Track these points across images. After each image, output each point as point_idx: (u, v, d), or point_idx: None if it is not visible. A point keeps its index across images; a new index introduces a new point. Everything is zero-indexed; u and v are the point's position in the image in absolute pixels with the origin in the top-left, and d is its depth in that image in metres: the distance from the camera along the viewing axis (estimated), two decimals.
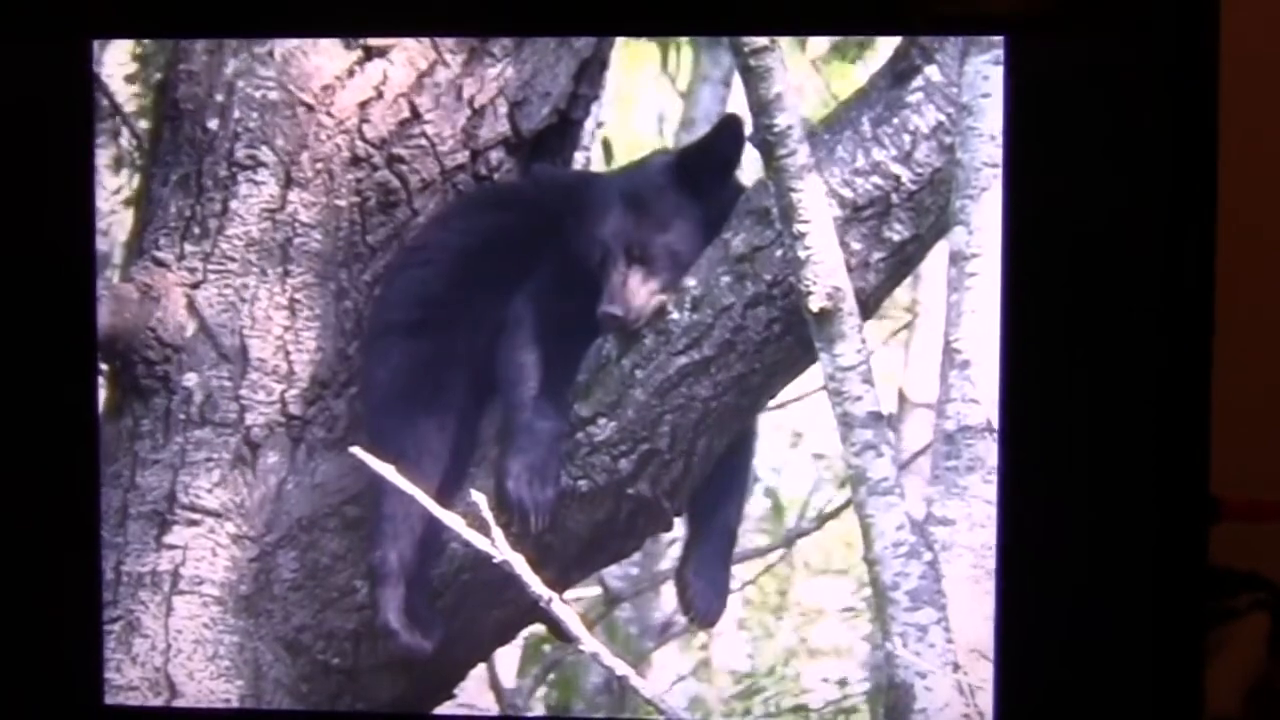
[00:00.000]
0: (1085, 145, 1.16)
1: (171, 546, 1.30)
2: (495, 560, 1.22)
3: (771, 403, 1.27)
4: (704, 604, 1.30)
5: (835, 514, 1.34)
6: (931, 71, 1.21)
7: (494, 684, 1.37)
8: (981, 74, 1.18)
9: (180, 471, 1.31)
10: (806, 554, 1.36)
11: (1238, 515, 1.29)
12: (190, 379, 1.31)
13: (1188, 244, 1.15)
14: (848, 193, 1.22)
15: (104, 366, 1.30)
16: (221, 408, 1.31)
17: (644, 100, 1.38)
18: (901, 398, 1.31)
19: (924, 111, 1.22)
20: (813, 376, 1.23)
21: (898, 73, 1.22)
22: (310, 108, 1.30)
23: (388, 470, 1.24)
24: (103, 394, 1.30)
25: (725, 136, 1.24)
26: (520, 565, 1.22)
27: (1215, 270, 1.14)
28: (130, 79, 1.32)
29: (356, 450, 1.26)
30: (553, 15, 1.24)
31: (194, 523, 1.31)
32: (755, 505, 1.35)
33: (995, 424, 1.18)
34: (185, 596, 1.30)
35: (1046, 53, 1.16)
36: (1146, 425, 1.17)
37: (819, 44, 1.31)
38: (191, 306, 1.31)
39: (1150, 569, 1.17)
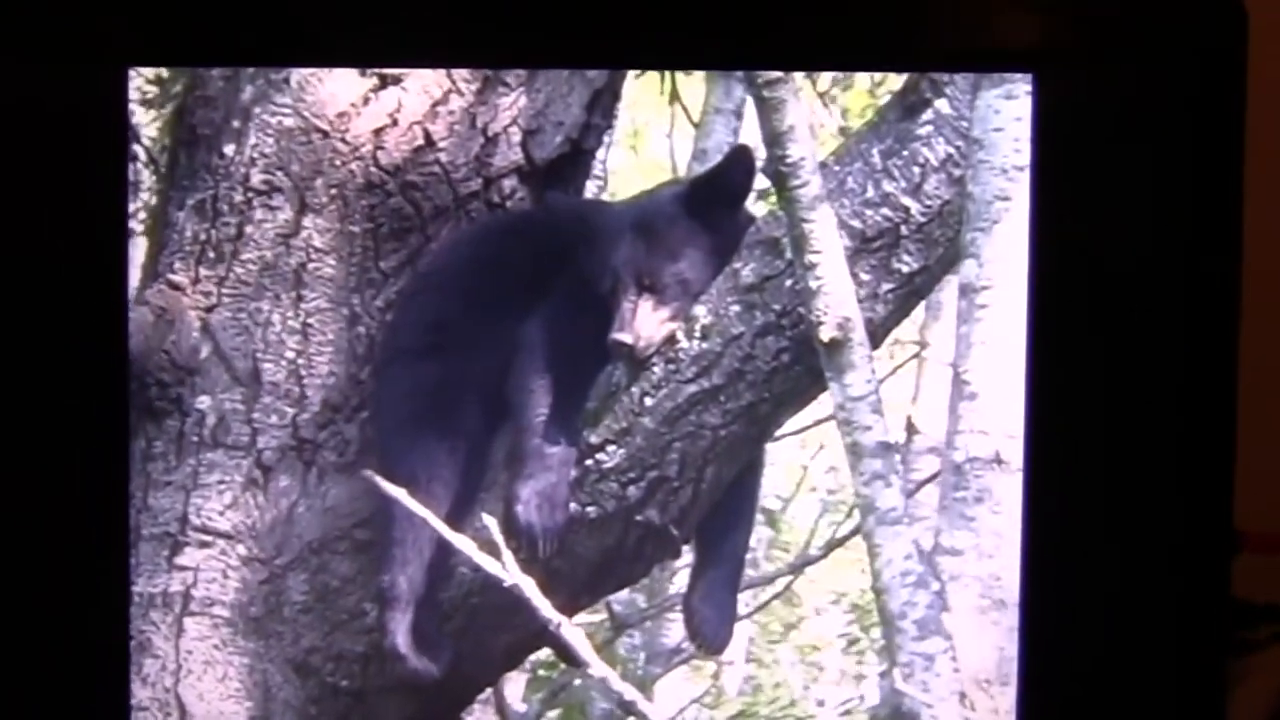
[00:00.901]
0: (1110, 181, 1.17)
1: (183, 568, 1.31)
2: (505, 584, 1.23)
3: (779, 431, 1.28)
4: (710, 631, 1.31)
5: (842, 542, 1.35)
6: (941, 105, 1.23)
7: (500, 708, 1.37)
8: (993, 108, 1.19)
9: (192, 493, 1.31)
10: (813, 582, 1.37)
11: (1258, 548, 1.29)
12: (203, 401, 1.32)
13: (1212, 279, 1.15)
14: (857, 224, 1.23)
15: None
16: (234, 430, 1.32)
17: (655, 130, 1.39)
18: (910, 428, 1.32)
19: (934, 144, 1.23)
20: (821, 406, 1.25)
21: (907, 105, 1.23)
22: (325, 134, 1.31)
23: (400, 494, 1.25)
24: None
25: (736, 167, 1.25)
26: (530, 589, 1.23)
27: (1240, 305, 1.15)
28: (147, 104, 1.34)
29: (369, 474, 1.27)
30: (565, 49, 1.25)
31: (205, 544, 1.31)
32: (762, 533, 1.35)
33: (1004, 455, 1.19)
34: (196, 618, 1.31)
35: (1072, 89, 1.17)
36: (1169, 458, 1.17)
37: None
38: (206, 329, 1.32)
39: (1172, 601, 1.17)
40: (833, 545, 1.36)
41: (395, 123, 1.31)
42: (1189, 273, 1.16)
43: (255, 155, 1.32)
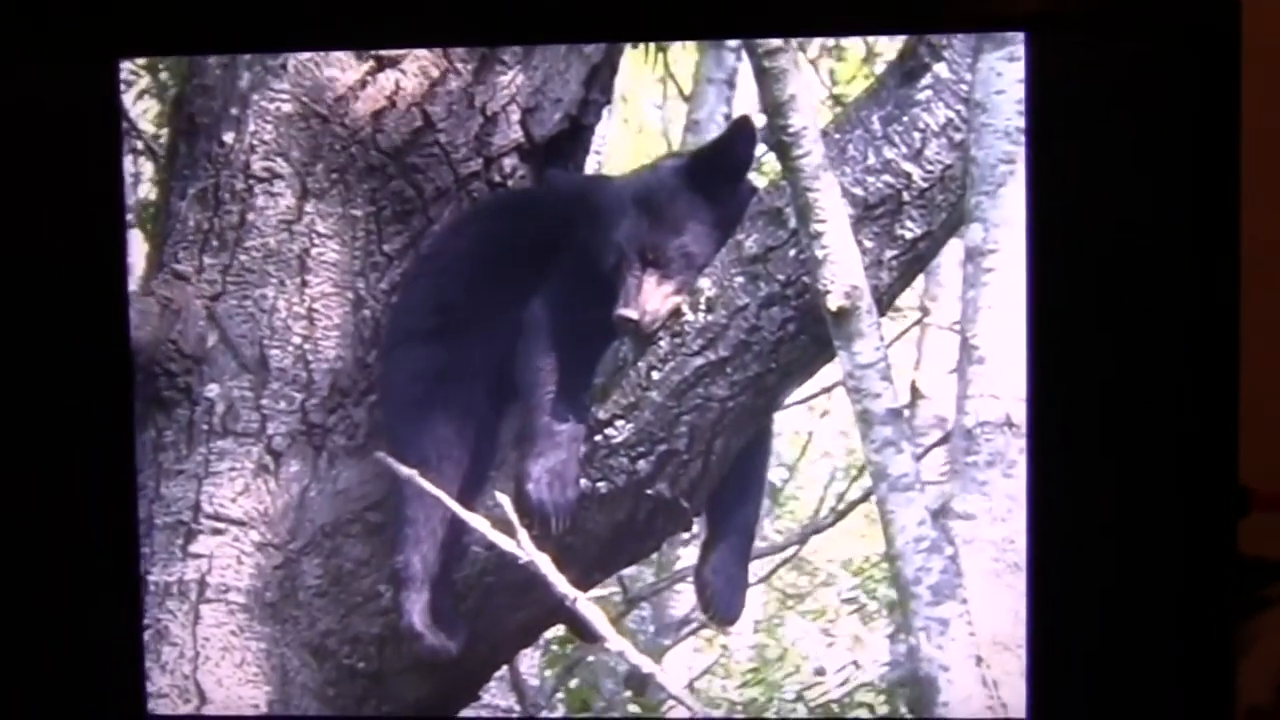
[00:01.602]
0: (1107, 140, 1.17)
1: (197, 555, 1.32)
2: (521, 561, 1.24)
3: (786, 401, 1.29)
4: (723, 602, 1.31)
5: (850, 510, 1.35)
6: (940, 69, 1.22)
7: (516, 684, 1.38)
8: (995, 70, 1.19)
9: (204, 481, 1.32)
10: (816, 551, 1.37)
11: (1268, 506, 1.29)
12: (212, 390, 1.32)
13: (1213, 236, 1.15)
14: (860, 191, 1.23)
15: None
16: (243, 418, 1.32)
17: (647, 103, 1.39)
18: (915, 393, 1.32)
19: (933, 109, 1.23)
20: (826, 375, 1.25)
21: (906, 71, 1.23)
22: (324, 119, 1.31)
23: (413, 474, 1.26)
24: None
25: (738, 138, 1.25)
26: (546, 565, 1.24)
27: (1241, 262, 1.14)
28: (144, 95, 1.34)
29: (382, 456, 1.27)
30: (563, 23, 1.25)
31: (219, 531, 1.32)
32: (770, 503, 1.35)
33: (1014, 419, 1.19)
34: (212, 604, 1.31)
35: (1065, 49, 1.17)
36: (1175, 417, 1.17)
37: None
38: (212, 318, 1.32)
39: (1181, 560, 1.18)
40: (841, 513, 1.36)
41: (394, 105, 1.31)
42: (1190, 232, 1.16)
43: (255, 142, 1.32)
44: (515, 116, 1.33)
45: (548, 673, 1.40)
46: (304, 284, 1.32)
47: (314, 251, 1.32)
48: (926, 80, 1.23)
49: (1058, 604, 1.19)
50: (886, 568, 1.24)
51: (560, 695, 1.40)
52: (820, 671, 1.35)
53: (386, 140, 1.31)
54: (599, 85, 1.34)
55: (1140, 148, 1.16)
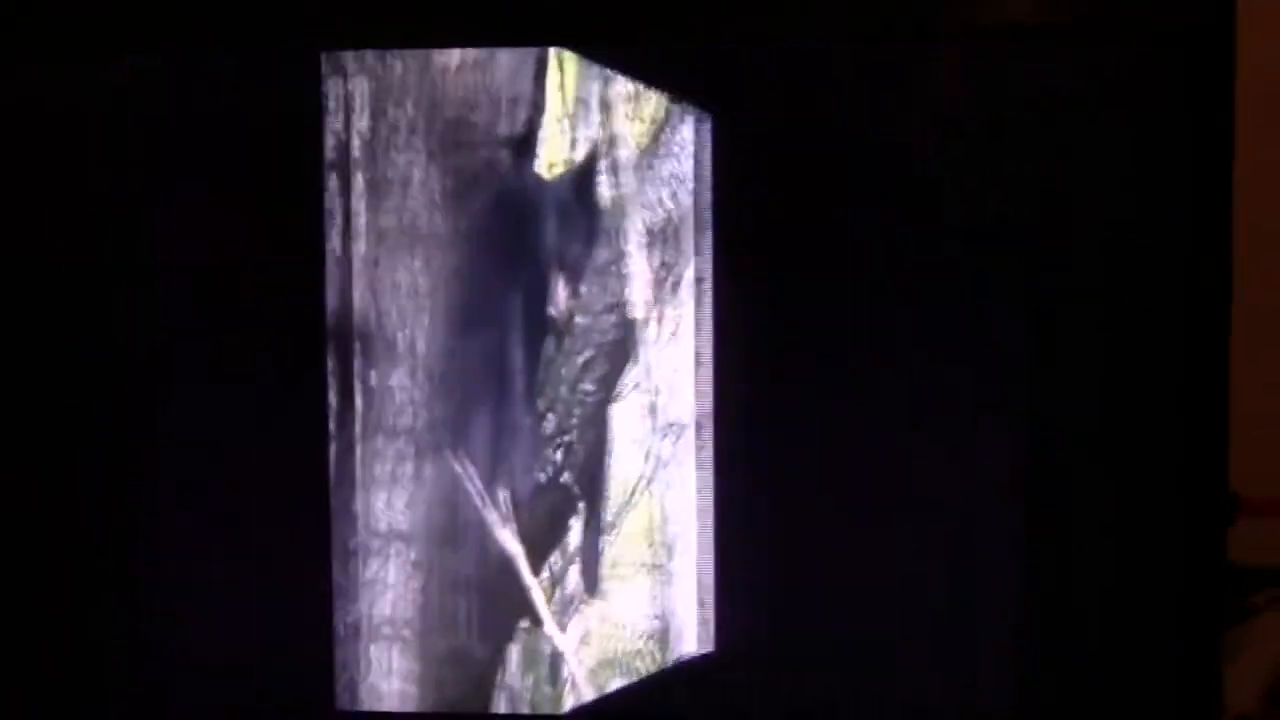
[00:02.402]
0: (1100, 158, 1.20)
1: None
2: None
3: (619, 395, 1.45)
4: (591, 579, 1.40)
5: (645, 489, 1.50)
6: (679, 130, 1.52)
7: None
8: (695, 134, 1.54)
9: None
10: (634, 524, 1.49)
11: (1257, 512, 1.31)
12: None
13: (1203, 242, 1.16)
14: (645, 220, 1.47)
15: None
16: None
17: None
18: (660, 391, 1.54)
19: (680, 160, 1.52)
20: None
21: (663, 125, 1.51)
22: None
23: None
24: None
25: (591, 159, 1.41)
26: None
27: (1232, 268, 1.14)
28: None
29: None
30: (515, 26, 1.31)
31: None
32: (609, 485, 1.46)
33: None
34: None
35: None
36: (1164, 422, 1.18)
37: None
38: None
39: (1169, 567, 1.18)
40: (640, 493, 1.50)
41: None
42: (1179, 235, 1.17)
43: None
44: (466, 115, 1.30)
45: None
46: None
47: None
48: (669, 135, 1.52)
49: (1044, 610, 1.22)
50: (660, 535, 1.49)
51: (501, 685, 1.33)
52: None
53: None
54: (541, 87, 1.35)
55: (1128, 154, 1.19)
